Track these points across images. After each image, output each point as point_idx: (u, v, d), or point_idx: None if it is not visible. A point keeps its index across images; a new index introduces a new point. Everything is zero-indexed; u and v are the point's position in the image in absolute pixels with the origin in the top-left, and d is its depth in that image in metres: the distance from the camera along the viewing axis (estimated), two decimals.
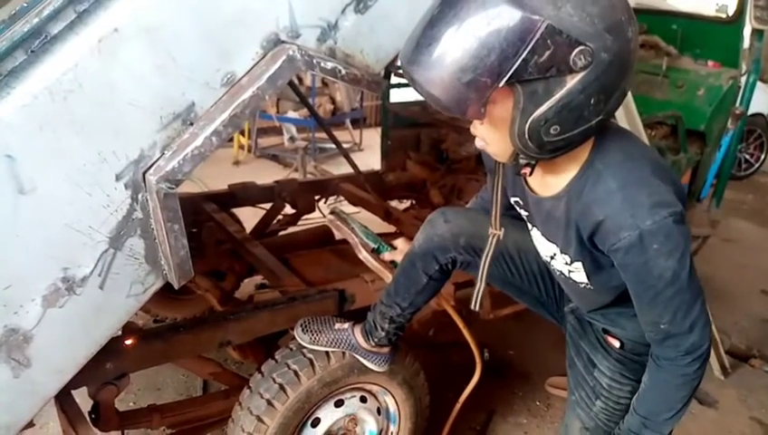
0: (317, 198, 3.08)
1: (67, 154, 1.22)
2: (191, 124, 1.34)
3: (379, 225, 3.01)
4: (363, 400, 1.92)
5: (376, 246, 1.83)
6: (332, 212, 1.90)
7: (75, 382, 1.59)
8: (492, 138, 1.12)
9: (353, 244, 1.83)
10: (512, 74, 0.95)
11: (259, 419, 1.70)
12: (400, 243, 1.85)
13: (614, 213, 1.13)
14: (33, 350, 1.29)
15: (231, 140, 6.06)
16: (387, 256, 1.81)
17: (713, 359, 2.93)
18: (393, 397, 1.96)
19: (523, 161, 1.16)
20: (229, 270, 2.83)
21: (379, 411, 1.98)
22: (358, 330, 1.77)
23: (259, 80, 1.34)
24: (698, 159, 3.05)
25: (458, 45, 0.95)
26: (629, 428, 1.34)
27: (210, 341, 1.80)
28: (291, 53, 1.35)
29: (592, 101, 1.02)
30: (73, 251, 1.28)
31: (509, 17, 0.92)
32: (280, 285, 2.10)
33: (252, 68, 1.37)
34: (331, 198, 3.22)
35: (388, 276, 1.78)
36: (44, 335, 1.29)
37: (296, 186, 2.99)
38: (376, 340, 1.74)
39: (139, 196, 1.33)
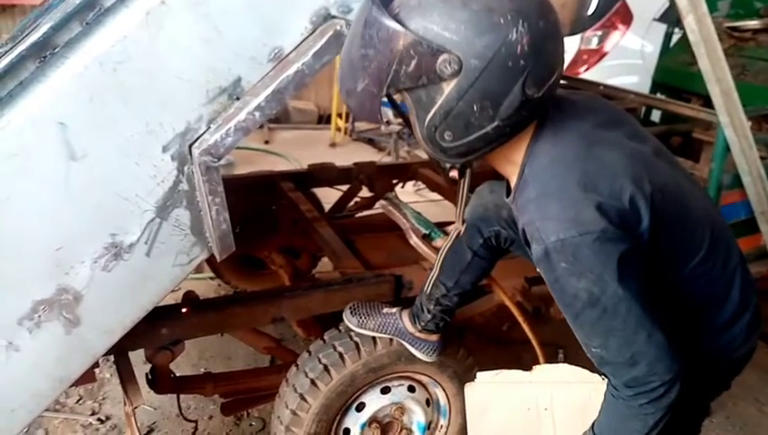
0: (395, 181, 3.05)
1: (116, 124, 1.26)
2: (237, 99, 1.34)
3: (450, 211, 2.94)
4: (411, 389, 1.88)
5: (427, 232, 1.79)
6: (386, 198, 1.88)
7: (132, 345, 1.68)
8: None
9: (405, 229, 1.81)
10: (389, 84, 1.00)
11: (302, 397, 1.71)
12: (453, 228, 1.79)
13: (528, 223, 1.07)
14: (83, 310, 1.36)
15: (329, 122, 6.19)
16: (439, 242, 1.76)
17: None
18: (444, 390, 1.91)
19: (447, 164, 1.14)
20: (303, 249, 2.88)
21: (428, 403, 1.93)
22: (406, 314, 1.74)
23: (305, 56, 1.32)
24: None
25: (353, 57, 1.04)
26: None
27: (263, 315, 1.82)
28: (338, 28, 1.32)
29: (475, 108, 1.00)
30: (121, 218, 1.33)
31: (380, 31, 0.98)
32: (340, 267, 2.09)
33: (300, 43, 1.35)
34: (410, 183, 3.18)
35: None
36: (93, 297, 1.35)
37: (374, 169, 2.97)
38: (422, 323, 1.70)
39: (185, 168, 1.35)
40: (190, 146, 1.33)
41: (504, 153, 1.13)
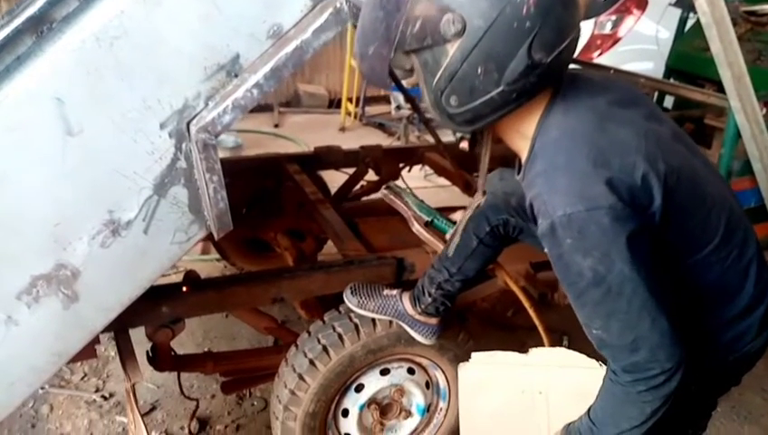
0: (401, 165, 3.03)
1: (113, 100, 1.25)
2: (236, 76, 1.33)
3: (459, 196, 2.93)
4: (411, 372, 1.88)
5: (430, 219, 1.79)
6: (387, 187, 1.90)
7: (132, 322, 1.69)
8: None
9: (407, 217, 1.82)
10: (397, 45, 1.01)
11: (301, 377, 1.71)
12: (460, 215, 1.78)
13: (535, 196, 1.05)
14: (81, 286, 1.36)
15: (339, 106, 6.16)
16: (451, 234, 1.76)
17: None
18: (443, 373, 1.90)
19: (458, 134, 1.11)
20: (308, 231, 2.88)
21: (428, 386, 1.92)
22: (406, 296, 1.73)
23: (304, 33, 1.30)
24: None
25: (366, 21, 1.05)
26: (579, 428, 1.20)
27: (263, 295, 1.82)
28: (338, 5, 1.30)
29: (479, 71, 0.99)
30: (119, 195, 1.33)
31: None
32: (342, 249, 2.09)
33: (300, 20, 1.33)
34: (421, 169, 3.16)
35: (440, 248, 1.73)
36: (91, 273, 1.36)
37: (380, 152, 2.96)
38: (422, 306, 1.69)
39: (183, 145, 1.34)
40: (188, 123, 1.32)
41: (514, 126, 1.11)
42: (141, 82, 1.26)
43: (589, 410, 1.21)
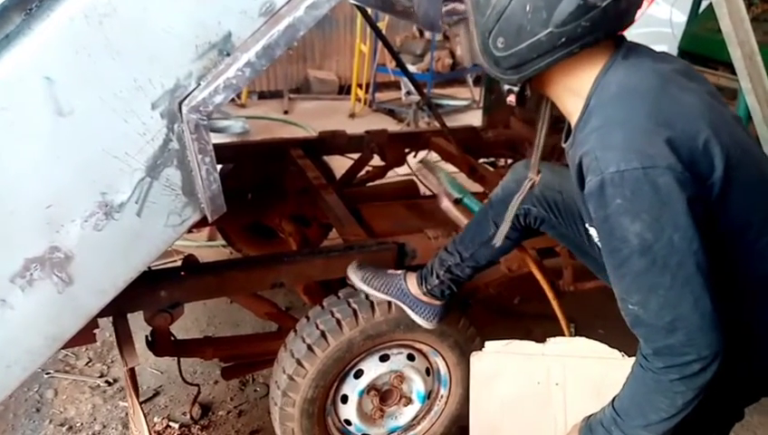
0: (407, 150, 2.99)
1: (103, 79, 1.23)
2: (227, 55, 1.30)
3: (464, 181, 2.89)
4: (411, 358, 1.85)
5: (460, 197, 1.80)
6: (421, 161, 1.92)
7: (130, 306, 1.68)
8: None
9: (437, 193, 1.84)
10: None
11: (299, 362, 1.70)
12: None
13: (587, 153, 0.98)
14: (74, 269, 1.35)
15: (349, 92, 6.13)
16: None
17: None
18: (444, 359, 1.87)
19: (505, 87, 1.11)
20: (312, 217, 2.86)
21: (428, 372, 1.90)
22: (411, 277, 1.70)
23: (297, 10, 1.27)
24: None
25: None
26: (601, 420, 1.13)
27: (262, 280, 1.81)
28: None
29: (528, 9, 0.98)
30: (111, 176, 1.31)
31: None
32: (343, 234, 2.07)
33: None
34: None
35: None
36: (84, 256, 1.34)
37: (385, 137, 2.92)
38: (428, 287, 1.66)
39: (175, 126, 1.32)
40: (180, 103, 1.30)
41: (566, 82, 1.07)
42: (131, 62, 1.24)
43: (613, 399, 1.14)
